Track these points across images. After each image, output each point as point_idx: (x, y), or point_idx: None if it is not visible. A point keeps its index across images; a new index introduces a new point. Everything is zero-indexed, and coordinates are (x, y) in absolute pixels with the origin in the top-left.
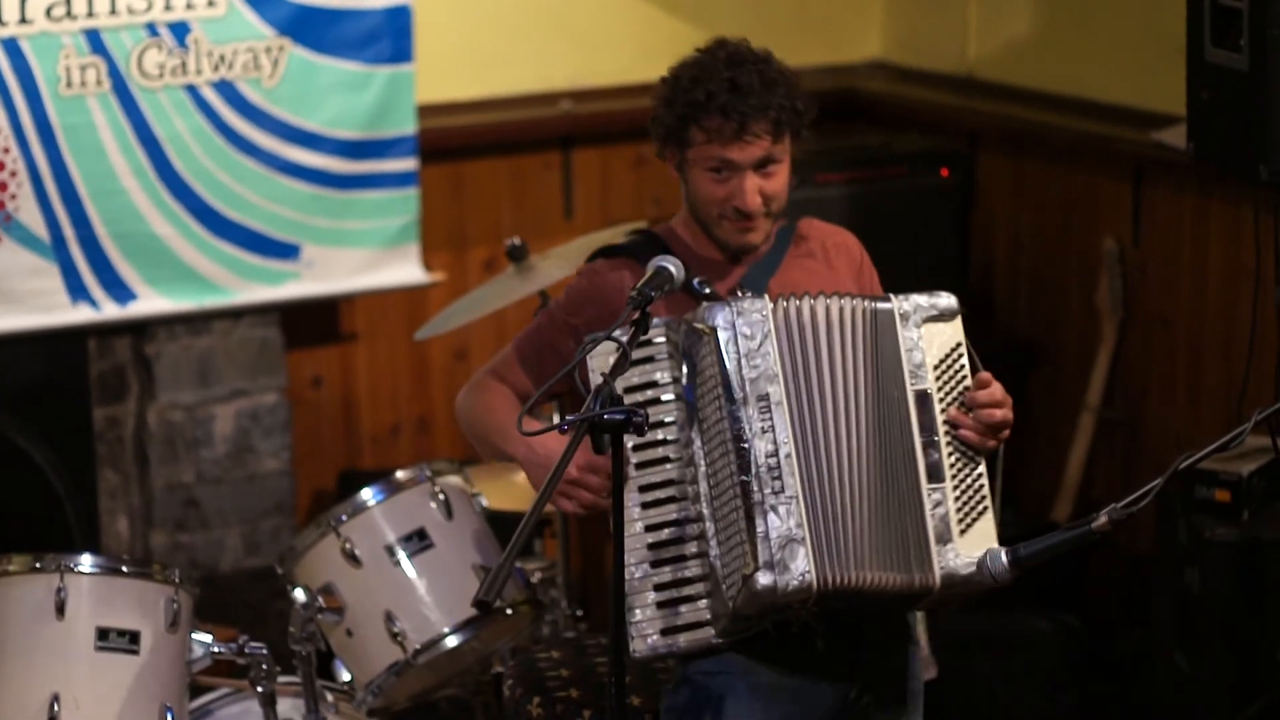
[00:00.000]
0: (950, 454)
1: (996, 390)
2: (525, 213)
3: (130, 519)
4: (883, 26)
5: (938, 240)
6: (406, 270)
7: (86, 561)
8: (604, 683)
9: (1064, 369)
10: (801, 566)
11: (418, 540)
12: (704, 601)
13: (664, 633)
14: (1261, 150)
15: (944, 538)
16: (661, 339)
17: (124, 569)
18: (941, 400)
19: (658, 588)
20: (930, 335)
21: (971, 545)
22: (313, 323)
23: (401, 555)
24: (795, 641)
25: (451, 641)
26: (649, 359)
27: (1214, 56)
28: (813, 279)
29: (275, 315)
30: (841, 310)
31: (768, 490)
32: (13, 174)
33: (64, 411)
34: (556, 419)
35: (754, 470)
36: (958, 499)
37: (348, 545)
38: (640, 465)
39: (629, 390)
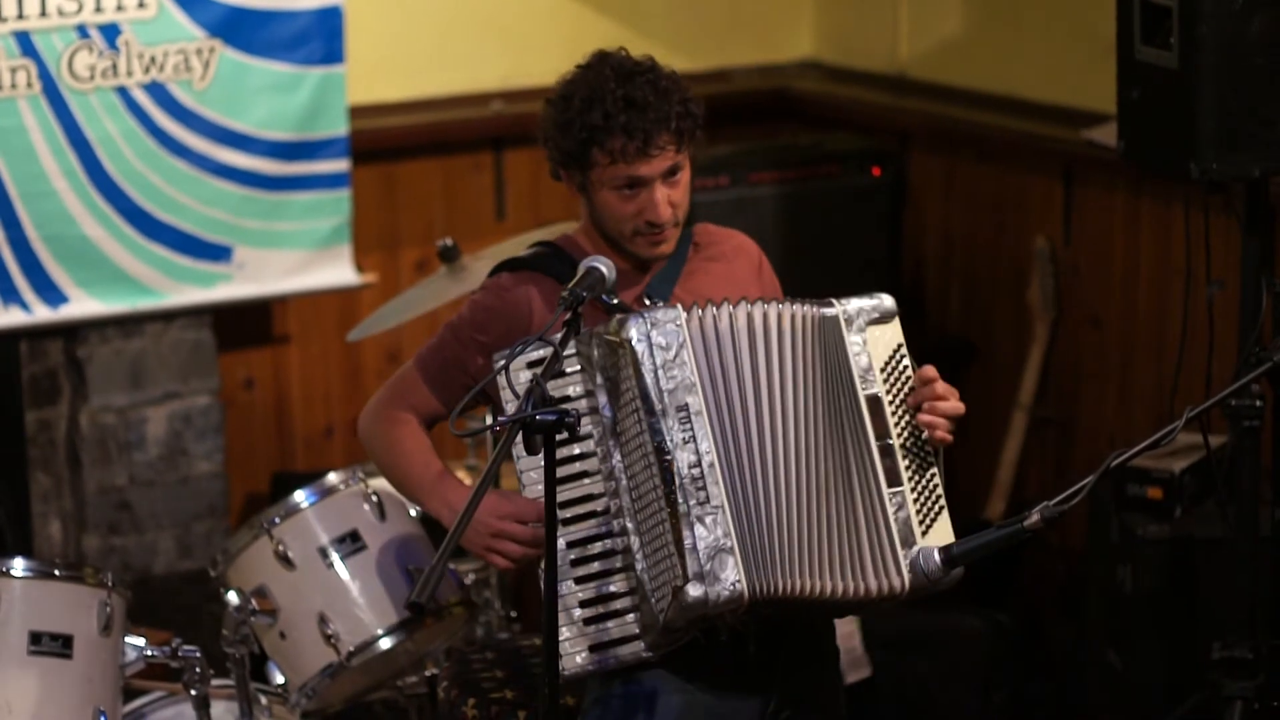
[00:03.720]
0: (905, 456)
1: (940, 384)
2: (457, 214)
3: (63, 522)
4: (814, 26)
5: (870, 239)
6: (338, 272)
7: (19, 565)
8: (538, 684)
9: (996, 367)
10: (731, 576)
11: (350, 542)
12: (632, 615)
13: (592, 649)
14: (1192, 148)
15: (908, 540)
16: (571, 353)
17: (56, 573)
18: (891, 402)
19: (582, 604)
20: (874, 338)
21: (934, 545)
22: (245, 325)
23: (334, 557)
24: (725, 648)
25: (385, 643)
26: (560, 373)
27: (1144, 55)
28: (717, 283)
29: (207, 317)
30: (780, 317)
31: (693, 501)
32: None
33: None
34: (489, 420)
35: (678, 481)
36: (916, 500)
37: (280, 547)
38: (559, 481)
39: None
